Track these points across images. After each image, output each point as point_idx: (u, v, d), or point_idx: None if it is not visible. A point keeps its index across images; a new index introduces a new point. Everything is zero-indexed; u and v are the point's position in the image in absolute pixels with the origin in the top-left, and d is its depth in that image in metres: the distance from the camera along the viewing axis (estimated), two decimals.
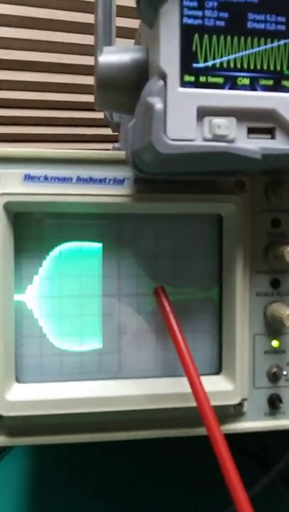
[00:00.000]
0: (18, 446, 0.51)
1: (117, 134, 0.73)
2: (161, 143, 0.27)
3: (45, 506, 0.44)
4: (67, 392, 0.33)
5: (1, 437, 0.33)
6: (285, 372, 0.35)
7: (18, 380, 0.34)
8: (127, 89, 0.33)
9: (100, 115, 0.80)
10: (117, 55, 0.33)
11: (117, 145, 0.68)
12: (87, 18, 0.90)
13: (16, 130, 0.93)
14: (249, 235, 0.34)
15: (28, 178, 0.33)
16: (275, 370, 0.35)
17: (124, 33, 0.64)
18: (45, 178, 0.33)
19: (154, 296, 0.34)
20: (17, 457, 0.50)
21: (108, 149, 0.84)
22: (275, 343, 0.36)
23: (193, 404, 0.33)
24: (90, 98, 0.94)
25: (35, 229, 0.34)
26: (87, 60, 0.92)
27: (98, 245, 0.35)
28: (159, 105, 0.27)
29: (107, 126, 0.73)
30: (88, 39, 0.91)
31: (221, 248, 0.35)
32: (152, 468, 0.48)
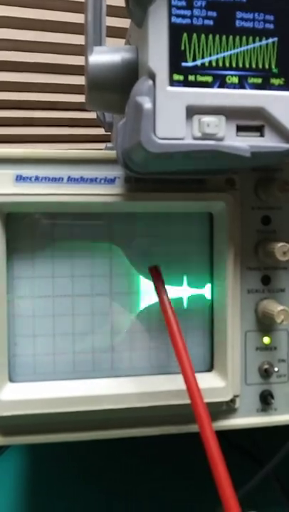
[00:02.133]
0: (13, 446, 0.51)
1: (109, 133, 0.73)
2: (150, 142, 0.27)
3: (42, 506, 0.44)
4: (61, 391, 0.33)
5: None
6: (276, 369, 0.36)
7: (11, 380, 0.34)
8: (117, 89, 0.33)
9: (92, 115, 0.80)
10: (107, 55, 0.33)
11: (109, 145, 0.69)
12: (80, 18, 0.90)
13: (7, 131, 0.93)
14: (240, 233, 0.35)
15: (20, 178, 0.33)
16: (266, 366, 0.36)
17: (115, 32, 0.64)
18: (37, 178, 0.33)
19: (150, 274, 0.34)
20: (12, 457, 0.50)
21: (101, 149, 0.85)
22: (266, 340, 0.36)
23: (185, 401, 0.34)
24: (82, 98, 0.94)
25: (27, 229, 0.34)
26: (79, 60, 0.92)
27: (90, 245, 0.35)
28: (147, 105, 0.27)
29: (100, 126, 0.73)
30: (79, 39, 0.91)
31: (212, 246, 0.36)
32: (148, 465, 0.48)
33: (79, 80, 0.92)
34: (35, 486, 0.46)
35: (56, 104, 0.92)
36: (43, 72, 0.91)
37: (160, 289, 0.32)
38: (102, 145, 0.87)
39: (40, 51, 0.90)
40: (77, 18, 0.90)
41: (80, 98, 0.93)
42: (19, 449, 0.51)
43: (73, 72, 0.91)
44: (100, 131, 0.76)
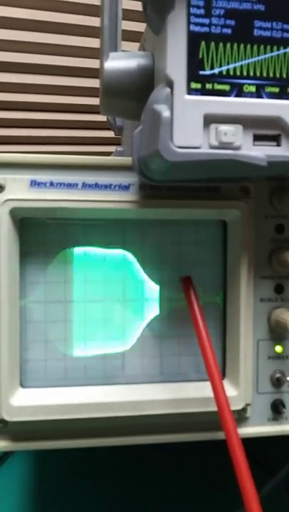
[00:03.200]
0: (18, 452, 0.51)
1: (119, 136, 0.73)
2: (168, 151, 0.27)
3: (47, 509, 0.44)
4: (72, 398, 0.33)
5: (6, 442, 0.33)
6: (288, 378, 0.36)
7: (22, 385, 0.34)
8: (132, 95, 0.33)
9: (102, 118, 0.80)
10: (123, 61, 0.33)
11: (119, 148, 0.69)
12: (89, 20, 0.90)
13: (17, 133, 0.93)
14: (253, 241, 0.35)
15: (34, 184, 0.33)
16: (278, 375, 0.36)
17: (129, 36, 0.65)
18: (51, 183, 0.33)
19: (181, 284, 0.34)
20: (18, 463, 0.50)
21: (111, 152, 0.85)
22: (278, 349, 0.36)
23: (198, 409, 0.34)
24: (91, 101, 0.94)
25: (41, 234, 0.34)
26: (89, 63, 0.92)
27: (102, 251, 0.35)
28: (166, 113, 0.27)
29: (108, 129, 0.73)
30: (89, 41, 0.91)
31: (226, 254, 0.36)
32: (155, 473, 0.48)
33: (89, 83, 0.92)
34: (42, 490, 0.46)
35: (65, 106, 0.92)
36: (49, 74, 0.91)
37: (191, 300, 0.33)
38: (112, 147, 0.87)
39: (44, 53, 0.90)
40: (89, 20, 0.90)
41: (89, 100, 0.93)
42: (24, 455, 0.51)
43: (83, 75, 0.92)
44: (110, 133, 0.76)
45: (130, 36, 0.67)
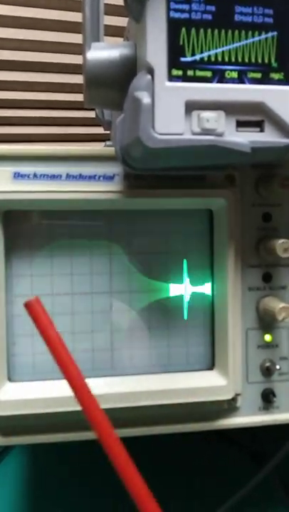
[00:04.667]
0: (14, 449, 0.50)
1: (108, 132, 0.72)
2: (149, 137, 0.27)
3: (43, 507, 0.43)
4: (60, 391, 0.33)
5: None
6: (278, 367, 0.35)
7: (10, 379, 0.33)
8: (116, 85, 0.33)
9: (91, 114, 0.79)
10: (105, 51, 0.33)
11: (108, 143, 0.68)
12: (73, 16, 0.89)
13: (6, 130, 0.93)
14: (240, 230, 0.34)
15: (18, 175, 0.32)
16: (268, 364, 0.35)
17: (113, 31, 0.64)
18: (35, 175, 0.33)
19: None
20: (13, 460, 0.50)
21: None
22: (267, 338, 0.36)
23: (189, 399, 0.33)
24: (79, 97, 0.94)
25: (26, 227, 0.34)
26: (78, 59, 0.92)
27: (89, 242, 0.35)
28: (146, 99, 0.27)
29: (99, 125, 0.72)
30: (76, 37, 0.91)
31: (212, 243, 0.35)
32: (150, 465, 0.48)
33: (76, 79, 0.92)
34: (36, 489, 0.46)
35: (54, 103, 0.92)
36: (40, 72, 0.90)
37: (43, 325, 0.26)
38: (101, 144, 0.87)
39: (35, 50, 0.89)
40: (69, 16, 0.89)
41: (77, 97, 0.93)
42: (20, 451, 0.51)
43: (71, 71, 0.91)
44: (99, 130, 0.75)
45: (114, 31, 0.67)
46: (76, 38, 0.90)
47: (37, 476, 0.48)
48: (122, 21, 0.78)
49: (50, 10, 0.88)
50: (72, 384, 0.25)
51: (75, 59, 0.91)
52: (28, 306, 0.26)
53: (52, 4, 0.88)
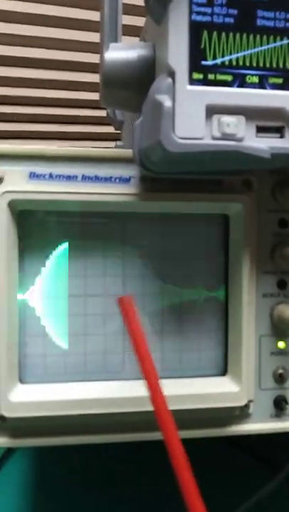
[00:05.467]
0: (21, 448, 0.50)
1: (119, 132, 0.72)
2: (170, 141, 0.26)
3: (47, 510, 0.43)
4: (71, 393, 0.33)
5: (5, 438, 0.33)
6: None
7: (21, 381, 0.33)
8: (133, 86, 0.33)
9: (101, 113, 0.79)
10: (123, 51, 0.33)
11: (119, 143, 0.68)
12: (90, 15, 0.89)
13: (16, 127, 0.92)
14: (256, 235, 0.34)
15: (33, 176, 0.32)
16: (281, 371, 0.35)
17: (129, 31, 0.64)
18: (50, 176, 0.32)
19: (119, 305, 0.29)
20: (18, 461, 0.50)
21: (110, 147, 0.84)
22: (281, 344, 0.35)
23: (201, 405, 0.33)
24: (92, 96, 0.94)
25: (40, 227, 0.34)
26: (89, 57, 0.92)
27: (102, 244, 0.34)
28: (168, 103, 0.26)
29: (108, 124, 0.72)
30: (90, 36, 0.90)
31: (228, 248, 0.35)
32: (157, 470, 0.48)
33: (89, 77, 0.91)
34: (39, 491, 0.46)
35: (65, 101, 0.92)
36: (53, 69, 0.90)
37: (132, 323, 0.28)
38: (111, 143, 0.87)
39: (44, 47, 0.89)
40: (89, 15, 0.89)
41: (90, 95, 0.92)
42: (24, 454, 0.51)
43: (85, 70, 0.91)
44: (110, 129, 0.75)
45: (130, 31, 0.67)
46: (81, 36, 0.90)
47: (40, 478, 0.48)
48: (137, 21, 0.78)
49: (59, 6, 0.88)
50: (147, 380, 0.28)
51: (86, 57, 0.91)
52: (120, 302, 0.29)
53: (63, 2, 0.87)
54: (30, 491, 0.45)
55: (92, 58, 0.91)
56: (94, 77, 0.93)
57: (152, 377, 0.27)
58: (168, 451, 0.25)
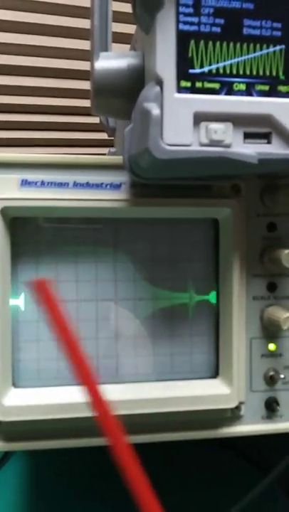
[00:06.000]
0: (16, 452, 0.50)
1: (112, 138, 0.73)
2: (158, 148, 0.27)
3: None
4: (65, 397, 0.33)
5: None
6: (282, 376, 0.36)
7: (15, 385, 0.33)
8: (123, 94, 0.33)
9: (95, 120, 0.80)
10: (113, 60, 0.33)
11: (112, 150, 0.69)
12: (81, 22, 0.90)
13: (10, 135, 0.93)
14: (245, 239, 0.35)
15: (25, 183, 0.33)
16: (272, 373, 0.36)
17: (120, 38, 0.65)
18: (42, 183, 0.33)
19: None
20: (14, 466, 0.50)
21: (104, 154, 0.85)
22: (271, 347, 0.36)
23: (192, 407, 0.33)
24: (84, 103, 0.94)
25: (32, 233, 0.34)
26: (82, 65, 0.93)
27: (94, 249, 0.35)
28: (155, 111, 0.27)
29: (102, 131, 0.73)
30: (84, 44, 0.91)
31: (218, 252, 0.36)
32: (151, 472, 0.48)
33: (81, 85, 0.92)
34: (36, 495, 0.46)
35: (58, 108, 0.93)
36: (45, 77, 0.91)
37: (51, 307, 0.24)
38: (105, 150, 0.87)
39: (37, 55, 0.90)
40: (77, 23, 0.90)
41: (82, 102, 0.93)
42: (19, 458, 0.51)
43: (76, 77, 0.92)
44: (103, 135, 0.76)
45: (121, 38, 0.68)
46: (79, 44, 0.91)
47: (36, 482, 0.48)
48: (127, 28, 0.79)
49: (55, 16, 0.89)
50: (75, 366, 0.24)
51: (76, 64, 0.92)
52: (34, 286, 0.24)
53: (57, 10, 0.88)
54: (26, 494, 0.46)
55: (84, 66, 0.92)
56: (87, 85, 0.94)
57: (80, 362, 0.24)
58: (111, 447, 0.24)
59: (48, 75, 0.91)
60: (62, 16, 0.89)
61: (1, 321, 0.32)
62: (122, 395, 0.34)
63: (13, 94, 0.89)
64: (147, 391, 0.34)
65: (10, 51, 0.87)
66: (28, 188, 0.33)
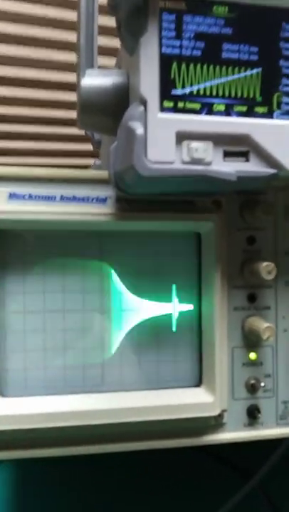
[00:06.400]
0: (2, 461, 0.50)
1: (98, 149, 0.74)
2: (142, 165, 0.28)
3: None
4: (52, 406, 0.34)
5: None
6: (262, 384, 0.37)
7: (2, 395, 0.34)
8: (108, 111, 0.34)
9: (80, 131, 0.80)
10: (99, 78, 0.35)
11: (97, 162, 0.70)
12: (67, 34, 0.91)
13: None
14: (226, 252, 0.36)
15: (13, 196, 0.33)
16: (253, 381, 0.37)
17: (105, 51, 0.66)
18: (30, 196, 0.34)
19: None
20: (4, 470, 0.50)
21: (89, 164, 0.86)
22: (252, 356, 0.37)
23: (177, 416, 0.34)
24: (69, 114, 0.95)
25: (19, 246, 0.35)
26: (67, 77, 0.94)
27: (80, 262, 0.36)
28: (140, 130, 0.28)
29: (87, 140, 0.74)
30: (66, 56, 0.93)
31: (200, 264, 0.37)
32: (138, 480, 0.48)
33: (67, 96, 0.93)
34: (23, 503, 0.46)
35: (44, 119, 0.93)
36: (32, 87, 0.92)
37: None
38: (90, 160, 0.88)
39: (22, 65, 0.91)
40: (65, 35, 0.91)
41: (67, 114, 0.94)
42: (8, 465, 0.51)
43: (62, 88, 0.93)
44: (89, 146, 0.77)
45: (107, 52, 0.69)
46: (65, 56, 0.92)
47: (23, 490, 0.48)
48: (113, 42, 0.80)
49: (43, 28, 0.90)
50: None
51: (61, 76, 0.93)
52: None
53: (55, 23, 0.89)
54: (15, 501, 0.46)
55: (68, 78, 0.93)
56: (70, 96, 0.95)
57: None
58: None
59: (30, 85, 0.91)
60: (52, 29, 0.90)
61: None
62: (107, 404, 0.34)
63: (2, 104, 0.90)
64: (132, 400, 0.35)
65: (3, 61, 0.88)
66: (16, 201, 0.33)
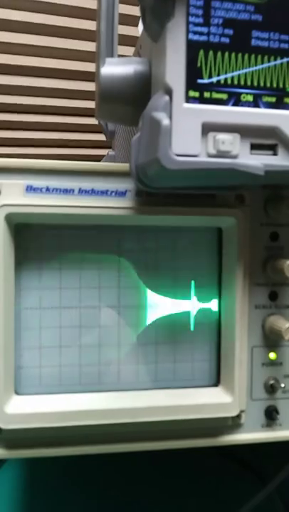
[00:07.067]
0: (10, 460, 0.50)
1: (111, 140, 0.73)
2: (167, 158, 0.27)
3: None
4: (67, 405, 0.33)
5: (0, 450, 0.33)
6: (282, 385, 0.36)
7: (17, 392, 0.33)
8: (129, 101, 0.33)
9: (93, 121, 0.79)
10: (119, 66, 0.33)
11: (111, 153, 0.69)
12: (87, 24, 0.90)
13: (11, 135, 0.93)
14: (248, 248, 0.35)
15: (30, 189, 0.32)
16: (272, 382, 0.36)
17: (125, 40, 0.65)
18: (47, 189, 0.33)
19: None
20: (9, 471, 0.50)
21: (102, 155, 0.85)
22: (272, 356, 0.36)
23: (194, 416, 0.34)
24: (84, 104, 0.94)
25: (36, 240, 0.34)
26: (83, 66, 0.92)
27: (98, 257, 0.35)
28: (165, 121, 0.27)
29: (100, 131, 0.73)
30: (88, 45, 0.91)
31: (221, 260, 0.36)
32: (151, 480, 0.48)
33: (81, 86, 0.92)
34: (33, 500, 0.46)
35: (59, 108, 0.92)
36: (49, 77, 0.91)
37: None
38: (102, 151, 0.87)
39: (42, 55, 0.89)
40: (81, 24, 0.90)
41: (82, 104, 0.93)
42: (16, 463, 0.51)
43: (79, 78, 0.91)
44: (102, 136, 0.76)
45: (126, 41, 0.68)
46: (87, 46, 0.90)
47: (32, 487, 0.48)
48: (132, 31, 0.78)
49: (60, 16, 0.88)
50: None
51: (83, 66, 0.91)
52: None
53: (66, 11, 0.88)
54: (22, 500, 0.45)
55: (86, 67, 0.91)
56: (87, 86, 0.94)
57: None
58: None
59: (48, 75, 0.90)
60: (67, 17, 0.88)
61: (5, 327, 0.32)
62: (123, 403, 0.34)
63: (14, 94, 0.88)
64: (148, 399, 0.34)
65: (12, 51, 0.87)
66: (33, 194, 0.32)
